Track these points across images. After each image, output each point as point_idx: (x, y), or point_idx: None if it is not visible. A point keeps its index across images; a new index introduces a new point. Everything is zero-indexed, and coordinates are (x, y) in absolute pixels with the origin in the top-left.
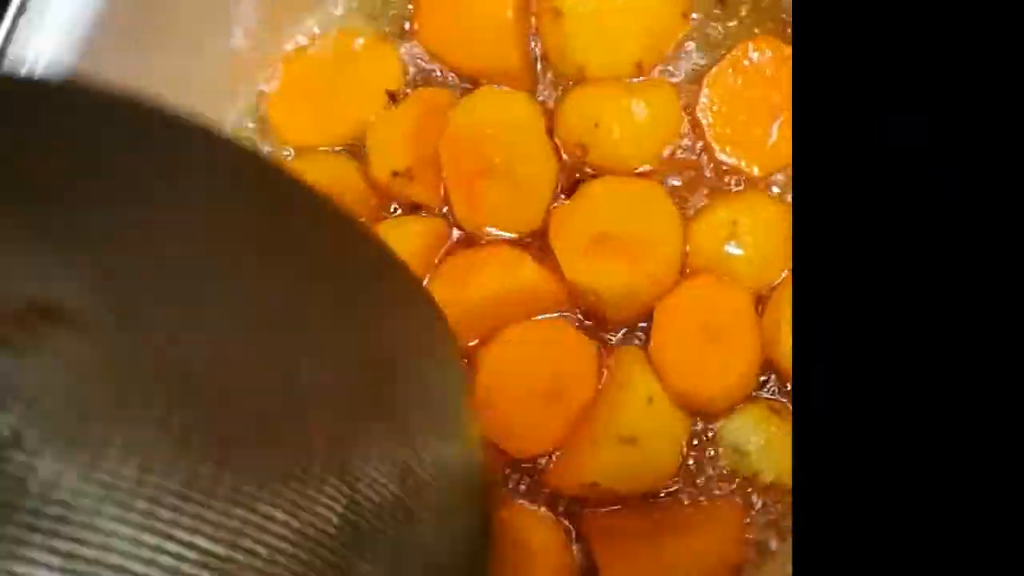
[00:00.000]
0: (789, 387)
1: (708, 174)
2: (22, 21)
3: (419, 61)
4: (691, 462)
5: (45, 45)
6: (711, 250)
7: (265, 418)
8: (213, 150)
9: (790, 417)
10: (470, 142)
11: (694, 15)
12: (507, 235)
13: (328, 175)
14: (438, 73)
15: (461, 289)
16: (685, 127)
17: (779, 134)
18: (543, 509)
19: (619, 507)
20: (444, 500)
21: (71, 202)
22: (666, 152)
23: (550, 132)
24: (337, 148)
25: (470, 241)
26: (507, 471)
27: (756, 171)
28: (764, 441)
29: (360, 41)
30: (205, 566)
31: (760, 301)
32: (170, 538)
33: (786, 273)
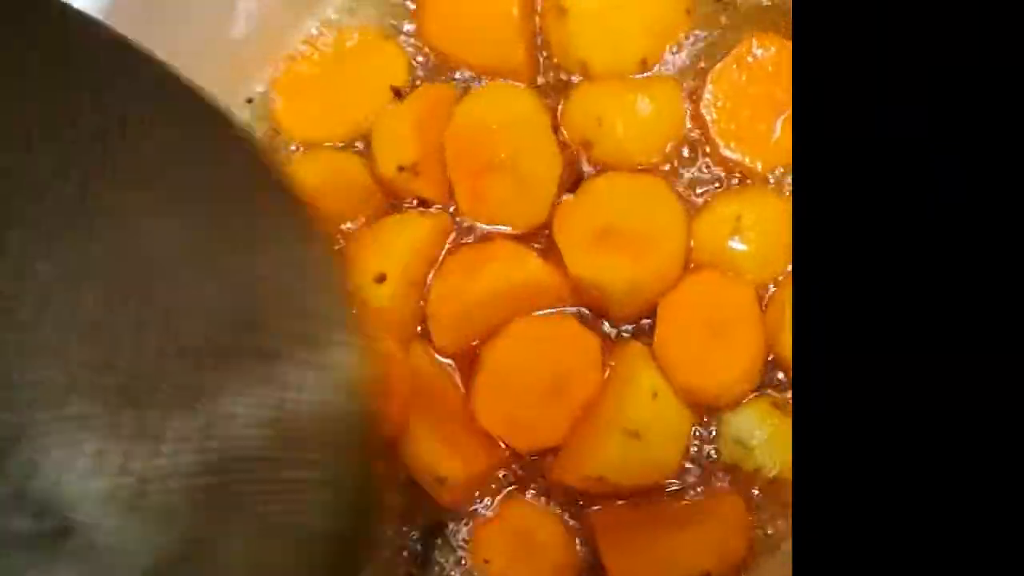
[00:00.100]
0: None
1: (712, 170)
2: None
3: (424, 57)
4: (695, 456)
5: None
6: (715, 245)
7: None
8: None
9: None
10: (475, 138)
11: (698, 11)
12: (511, 230)
13: (333, 171)
14: (443, 69)
15: (466, 284)
16: (689, 123)
17: (783, 130)
18: (548, 503)
19: (623, 501)
20: (319, 450)
21: None
22: (670, 148)
23: (554, 128)
24: (342, 144)
25: (475, 236)
26: (512, 465)
27: (760, 166)
28: (767, 435)
29: (365, 37)
30: None
31: (764, 296)
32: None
33: (790, 268)
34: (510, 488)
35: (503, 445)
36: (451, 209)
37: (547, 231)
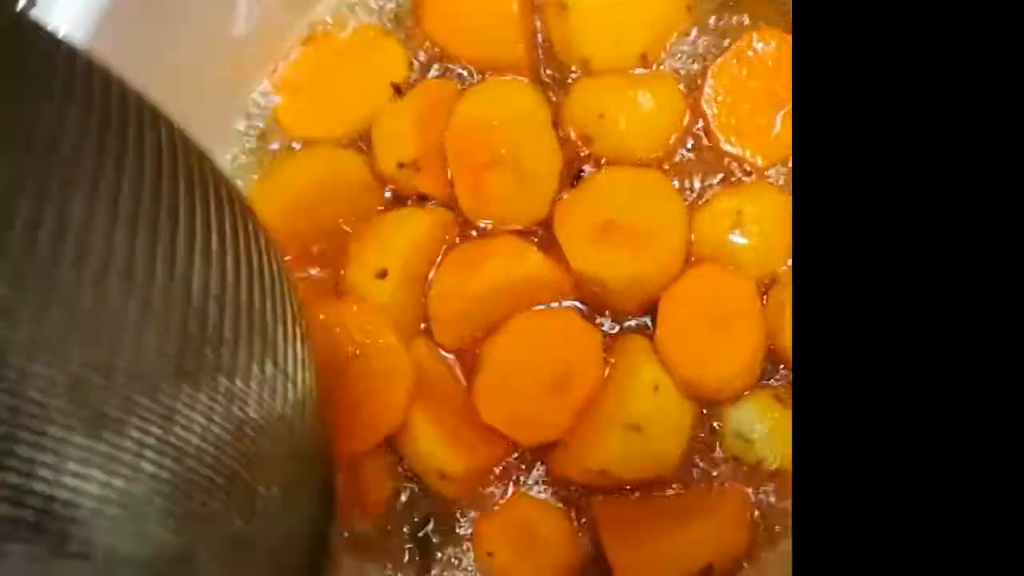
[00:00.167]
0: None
1: (712, 164)
2: (32, 15)
3: (424, 53)
4: (696, 449)
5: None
6: (716, 239)
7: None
8: None
9: None
10: (475, 134)
11: (698, 7)
12: (513, 226)
13: (334, 168)
14: (443, 65)
15: (467, 280)
16: (689, 118)
17: (783, 124)
18: (551, 497)
19: (625, 494)
20: (280, 464)
21: None
22: (671, 142)
23: (555, 123)
24: (343, 140)
25: (476, 232)
26: (515, 459)
27: (760, 161)
28: (768, 429)
29: (365, 34)
30: None
31: (764, 290)
32: None
33: (790, 262)
34: (512, 482)
35: (505, 439)
36: (452, 205)
37: (548, 226)
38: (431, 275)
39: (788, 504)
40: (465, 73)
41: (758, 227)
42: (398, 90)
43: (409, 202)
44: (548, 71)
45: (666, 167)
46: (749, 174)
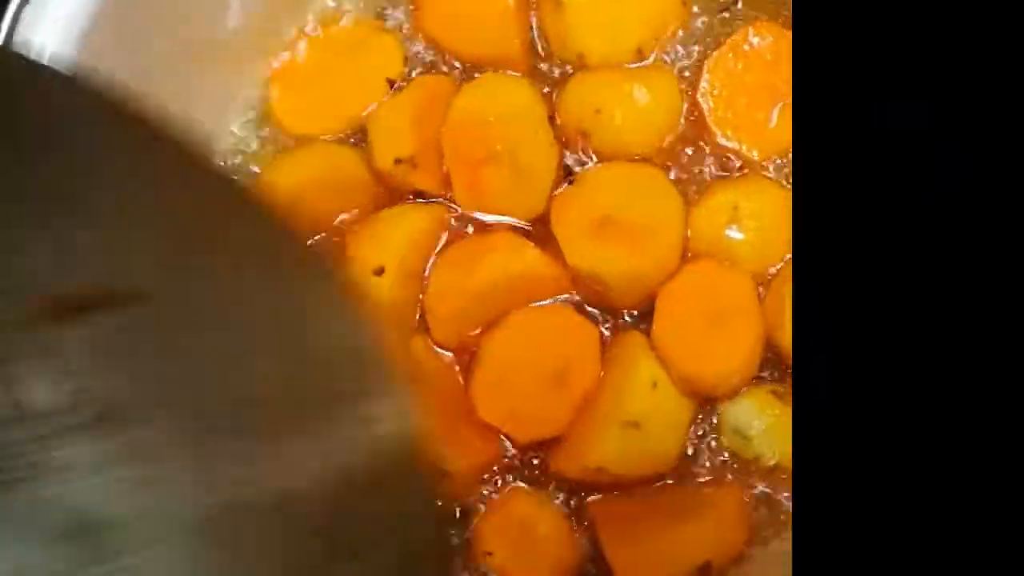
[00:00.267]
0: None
1: (709, 159)
2: (26, 11)
3: (420, 49)
4: (694, 446)
5: (48, 35)
6: (712, 235)
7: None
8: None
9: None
10: (472, 129)
11: (693, 1)
12: (509, 221)
13: (330, 164)
14: (439, 61)
15: (464, 276)
16: (686, 112)
17: (779, 118)
18: (548, 495)
19: (623, 492)
20: (376, 503)
21: None
22: (667, 137)
23: (551, 119)
24: (339, 137)
25: (473, 228)
26: (512, 457)
27: (756, 155)
28: (766, 425)
29: (360, 30)
30: None
31: (762, 285)
32: None
33: (788, 257)
34: (510, 480)
35: (503, 437)
36: (449, 201)
37: (545, 222)
38: (428, 272)
39: (786, 500)
40: (461, 69)
41: (755, 222)
42: (394, 86)
43: (405, 198)
44: (544, 66)
45: (662, 162)
46: (746, 168)
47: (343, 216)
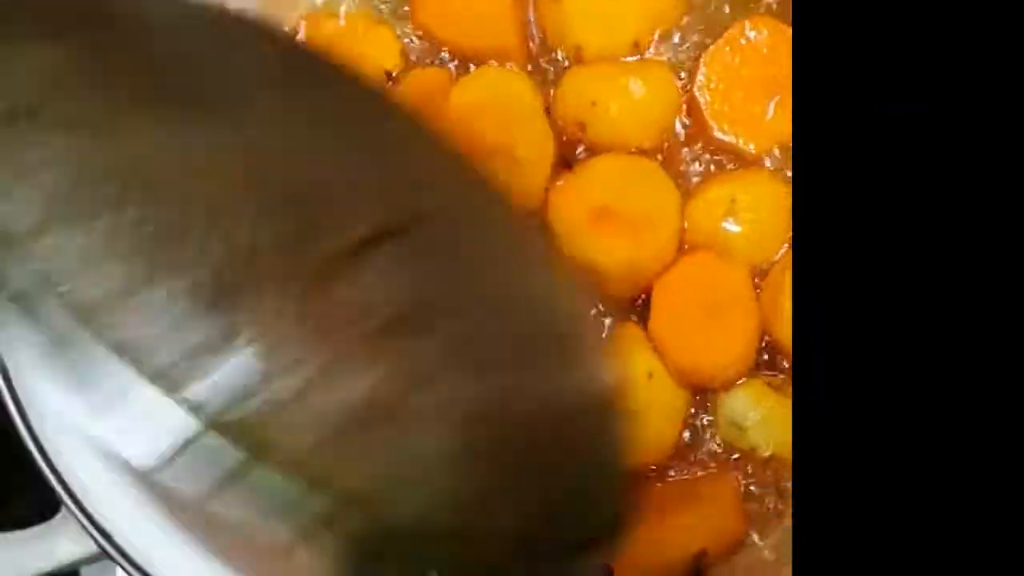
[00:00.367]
0: (787, 363)
1: (705, 152)
2: None
3: (416, 41)
4: (690, 437)
5: None
6: (709, 227)
7: None
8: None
9: (788, 393)
10: (468, 121)
11: None
12: None
13: None
14: (435, 53)
15: None
16: (682, 105)
17: (776, 111)
18: None
19: None
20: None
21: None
22: (663, 130)
23: (548, 111)
24: None
25: None
26: None
27: (753, 148)
28: (762, 416)
29: (357, 22)
30: None
31: (758, 277)
32: None
33: (784, 250)
34: None
35: None
36: None
37: (542, 214)
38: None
39: (782, 491)
40: (458, 61)
41: (752, 215)
42: (391, 78)
43: None
44: (541, 59)
45: (659, 155)
46: (742, 162)
47: None
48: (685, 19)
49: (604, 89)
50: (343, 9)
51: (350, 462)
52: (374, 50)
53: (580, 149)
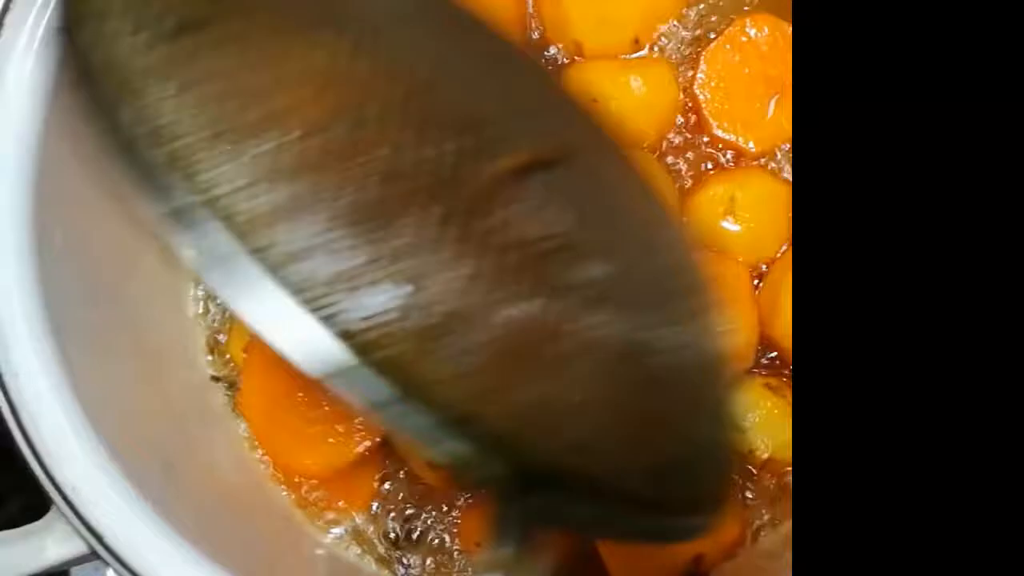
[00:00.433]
0: (786, 364)
1: (705, 149)
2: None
3: None
4: None
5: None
6: (708, 225)
7: None
8: None
9: (787, 394)
10: None
11: None
12: None
13: None
14: None
15: None
16: (682, 103)
17: (776, 110)
18: None
19: None
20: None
21: None
22: (664, 127)
23: None
24: None
25: None
26: None
27: (753, 146)
28: (760, 418)
29: None
30: None
31: (757, 276)
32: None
33: (783, 249)
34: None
35: None
36: None
37: None
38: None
39: (780, 494)
40: None
41: (751, 213)
42: None
43: None
44: (541, 55)
45: (659, 152)
46: (742, 160)
47: None
48: (685, 16)
49: (604, 86)
50: None
51: (498, 401)
52: None
53: None
